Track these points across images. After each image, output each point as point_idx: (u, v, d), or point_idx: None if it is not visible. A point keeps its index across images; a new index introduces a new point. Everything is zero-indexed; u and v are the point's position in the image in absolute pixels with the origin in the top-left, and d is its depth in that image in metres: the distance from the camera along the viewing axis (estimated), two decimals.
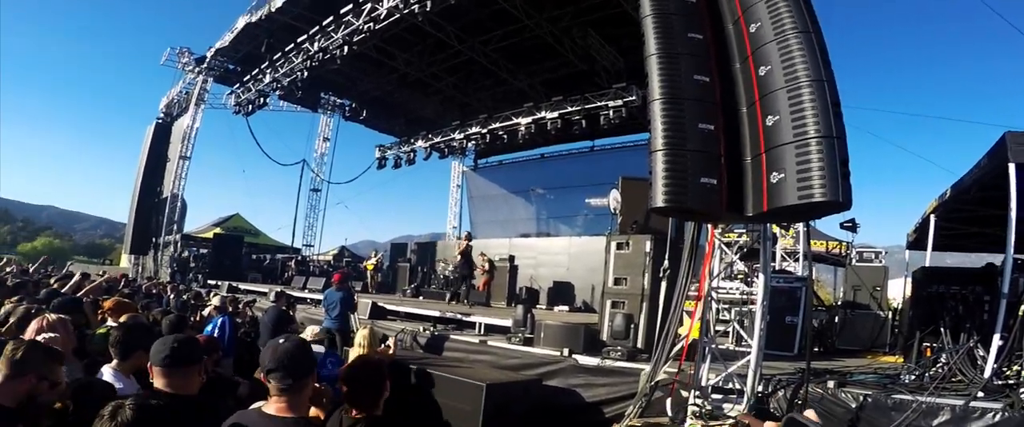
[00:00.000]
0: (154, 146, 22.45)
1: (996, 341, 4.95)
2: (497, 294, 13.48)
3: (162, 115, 23.50)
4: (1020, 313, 4.92)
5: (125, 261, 26.11)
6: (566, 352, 6.91)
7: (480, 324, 9.13)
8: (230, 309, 8.68)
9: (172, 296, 11.92)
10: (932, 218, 7.15)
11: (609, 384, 6.42)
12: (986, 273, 5.92)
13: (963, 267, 6.82)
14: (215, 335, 6.12)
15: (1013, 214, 5.07)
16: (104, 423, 1.67)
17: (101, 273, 11.28)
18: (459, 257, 12.71)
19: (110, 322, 4.15)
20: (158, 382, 2.26)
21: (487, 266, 13.89)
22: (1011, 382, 4.81)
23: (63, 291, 5.87)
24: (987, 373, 4.89)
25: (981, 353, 5.26)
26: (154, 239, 21.85)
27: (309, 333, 6.40)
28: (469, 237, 12.92)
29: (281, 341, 2.14)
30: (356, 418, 2.52)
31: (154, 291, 12.96)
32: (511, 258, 14.65)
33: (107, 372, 2.74)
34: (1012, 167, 5.02)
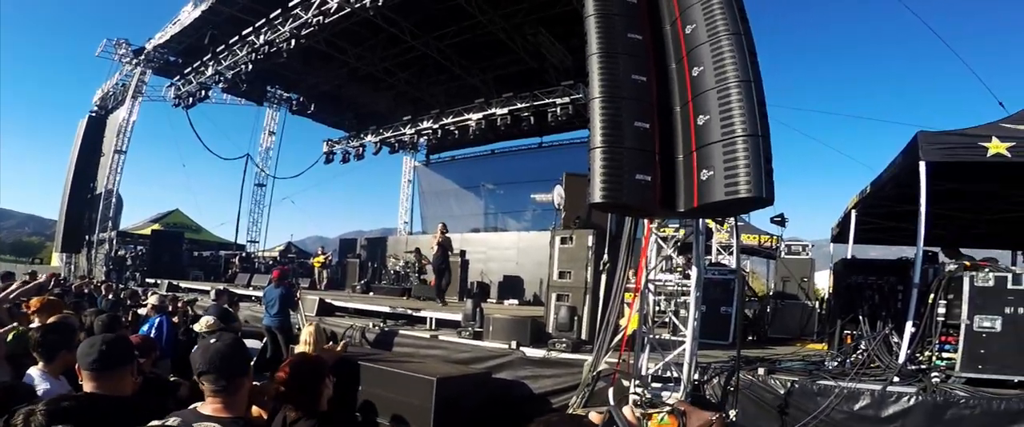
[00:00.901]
0: (87, 140, 21.33)
1: (909, 328, 5.28)
2: (449, 288, 13.50)
3: (96, 108, 22.34)
4: (929, 302, 5.27)
5: (56, 260, 24.74)
6: (514, 345, 7.03)
7: (431, 319, 9.15)
8: (169, 308, 8.42)
9: (107, 295, 11.43)
10: (853, 213, 7.60)
11: (555, 375, 6.58)
12: (900, 264, 6.33)
13: (880, 259, 7.29)
14: (152, 335, 5.95)
15: (923, 209, 5.44)
16: None
17: (28, 273, 10.70)
18: (436, 248, 12.49)
19: (36, 323, 3.99)
20: (87, 385, 2.19)
21: (426, 262, 13.87)
22: (923, 367, 5.14)
23: None
24: (901, 359, 5.23)
25: (896, 340, 5.61)
26: (87, 237, 20.81)
27: (202, 324, 6.27)
28: (445, 228, 12.66)
29: (212, 341, 2.09)
30: (297, 417, 2.51)
31: (86, 290, 12.39)
32: (462, 253, 14.69)
33: (35, 374, 2.67)
34: (923, 165, 5.38)
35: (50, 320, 3.88)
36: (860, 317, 6.09)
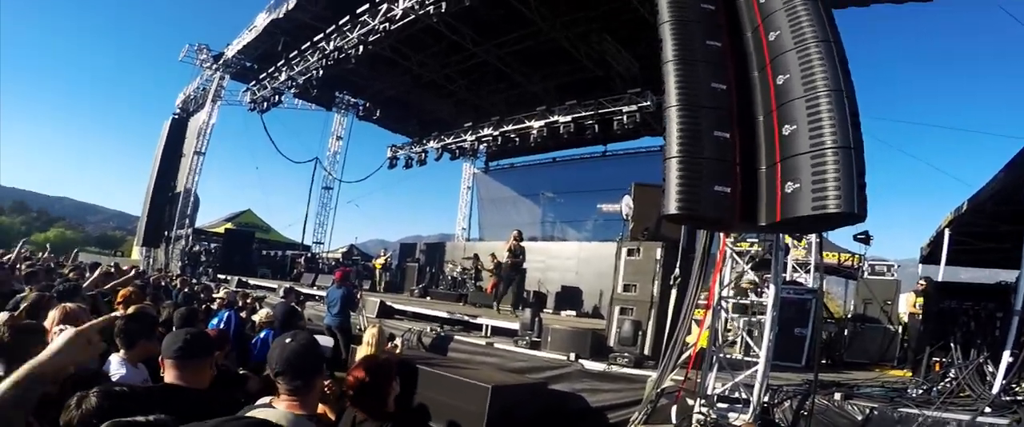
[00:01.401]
0: (170, 141, 22.70)
1: (1006, 357, 4.90)
2: (504, 298, 13.47)
3: (178, 111, 23.75)
4: None
5: (136, 253, 26.39)
6: (573, 357, 6.90)
7: (487, 326, 9.14)
8: (238, 303, 8.78)
9: (182, 289, 12.03)
10: (946, 232, 7.07)
11: (615, 390, 6.41)
12: (999, 289, 5.85)
13: (976, 282, 6.74)
14: (221, 328, 6.20)
15: None
16: (70, 412, 1.66)
17: (112, 265, 11.41)
18: (509, 254, 12.49)
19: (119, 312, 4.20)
20: (169, 375, 2.27)
21: (495, 268, 13.87)
22: (1019, 398, 4.77)
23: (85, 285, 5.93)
24: (995, 389, 4.85)
25: (990, 369, 5.21)
26: (166, 232, 22.08)
27: (261, 316, 6.51)
28: (520, 236, 12.57)
29: (288, 341, 2.11)
30: (365, 418, 2.52)
31: (163, 283, 13.10)
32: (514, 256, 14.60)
33: (115, 361, 2.78)
34: None
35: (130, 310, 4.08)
36: (952, 344, 5.64)
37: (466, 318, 9.79)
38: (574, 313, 13.17)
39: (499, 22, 15.08)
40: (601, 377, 6.58)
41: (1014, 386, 4.89)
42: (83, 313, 2.95)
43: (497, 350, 7.82)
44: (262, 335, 6.41)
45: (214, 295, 10.72)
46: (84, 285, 5.66)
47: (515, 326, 8.17)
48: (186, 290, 12.07)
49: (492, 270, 13.91)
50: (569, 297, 14.28)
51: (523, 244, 12.27)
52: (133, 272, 14.28)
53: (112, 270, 9.77)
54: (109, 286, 5.51)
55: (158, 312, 5.35)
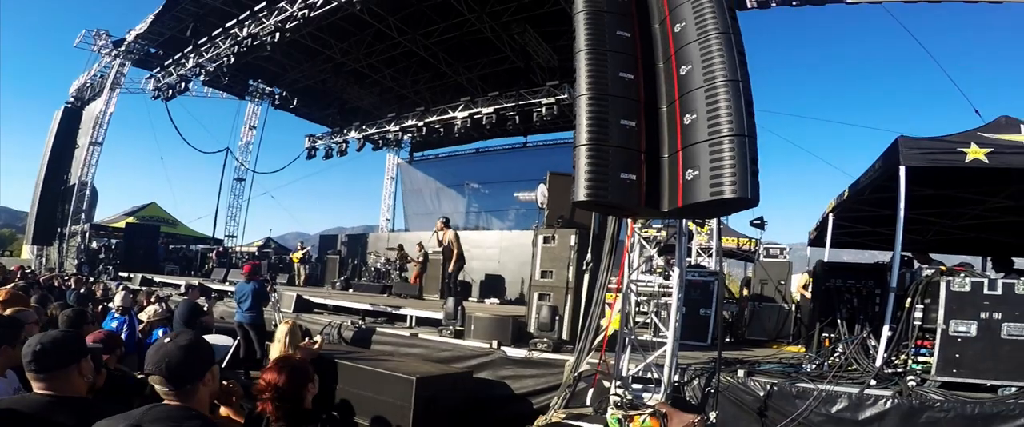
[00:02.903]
0: (62, 131, 20.81)
1: (885, 332, 5.34)
2: (430, 287, 13.40)
3: (72, 99, 21.83)
4: (906, 306, 5.34)
5: (27, 253, 24.10)
6: (495, 344, 6.98)
7: (411, 317, 9.06)
8: (142, 305, 8.24)
9: (78, 289, 11.14)
10: (830, 217, 7.68)
11: (536, 375, 6.54)
12: (878, 268, 6.41)
13: (858, 262, 7.37)
14: (119, 331, 5.82)
15: (902, 213, 5.51)
16: None
17: None
18: (439, 244, 12.15)
19: None
20: (34, 386, 2.08)
21: (422, 258, 13.77)
22: (899, 370, 5.18)
23: None
24: (878, 362, 5.27)
25: (873, 343, 5.65)
26: (60, 229, 20.30)
27: (149, 313, 6.18)
28: (446, 222, 12.37)
29: (166, 341, 1.91)
30: (279, 419, 2.44)
31: (56, 284, 12.08)
32: (446, 249, 14.58)
33: None
34: (902, 170, 5.44)
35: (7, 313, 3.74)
36: (838, 320, 6.14)
37: (390, 309, 9.65)
38: (498, 301, 13.30)
39: (426, 11, 14.92)
40: (523, 364, 6.69)
41: (893, 359, 5.33)
42: None
43: (422, 341, 7.77)
44: (159, 333, 6.05)
45: (113, 294, 10.00)
46: None
47: (440, 316, 8.16)
48: (82, 290, 11.19)
49: (419, 260, 13.79)
50: (492, 285, 14.41)
51: (450, 232, 12.19)
52: (19, 272, 13.09)
53: None
54: None
55: (47, 314, 4.96)
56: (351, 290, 14.59)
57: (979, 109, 7.78)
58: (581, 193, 3.83)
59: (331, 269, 16.84)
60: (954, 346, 4.84)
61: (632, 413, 5.23)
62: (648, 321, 5.74)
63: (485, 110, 17.14)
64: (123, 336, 5.97)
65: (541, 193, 9.08)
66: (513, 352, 6.83)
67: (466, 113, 17.74)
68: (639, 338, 5.53)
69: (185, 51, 17.43)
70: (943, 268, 5.46)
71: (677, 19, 4.23)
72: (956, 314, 4.87)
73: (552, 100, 15.56)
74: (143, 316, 6.52)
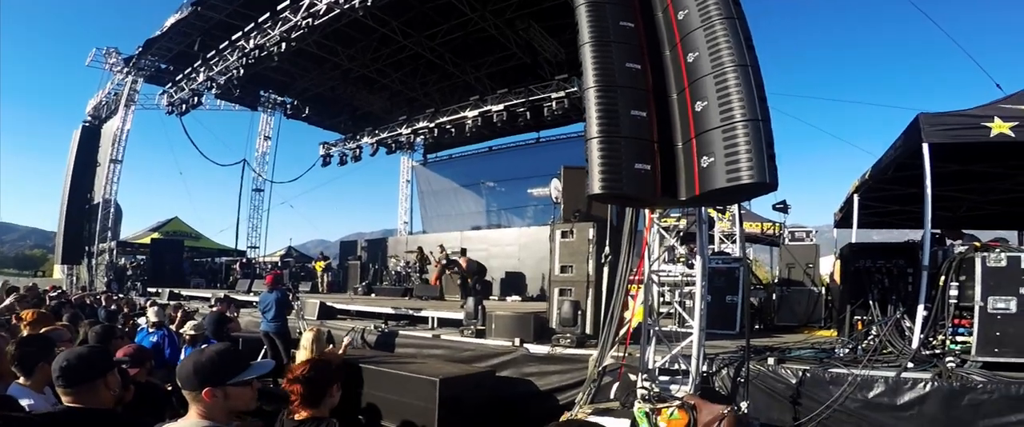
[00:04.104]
0: (82, 150, 21.26)
1: (920, 312, 5.16)
2: (450, 287, 13.44)
3: (89, 118, 22.27)
4: (941, 284, 5.16)
5: (58, 272, 24.70)
6: (517, 342, 6.94)
7: (433, 318, 9.07)
8: (174, 319, 8.39)
9: (108, 306, 11.37)
10: (855, 198, 7.50)
11: (560, 371, 6.49)
12: (908, 247, 6.23)
13: (887, 242, 7.18)
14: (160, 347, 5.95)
15: (928, 191, 5.36)
16: None
17: (28, 287, 10.67)
18: (462, 260, 12.48)
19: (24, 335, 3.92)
20: (64, 400, 2.16)
21: (444, 260, 13.82)
22: (937, 352, 5.02)
23: None
24: (915, 344, 5.11)
25: (908, 324, 5.49)
26: (87, 247, 20.75)
27: (188, 329, 6.28)
28: (464, 252, 13.09)
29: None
30: (300, 420, 2.46)
31: (88, 302, 12.33)
32: (463, 251, 14.65)
33: (16, 389, 2.59)
34: (926, 147, 5.29)
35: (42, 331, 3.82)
36: (870, 302, 5.97)
37: (411, 312, 9.69)
38: (519, 298, 13.29)
39: (429, 13, 14.91)
40: (546, 360, 6.65)
41: (930, 339, 5.16)
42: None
43: (444, 341, 7.78)
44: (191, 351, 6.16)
45: (140, 308, 10.19)
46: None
47: (461, 316, 8.15)
48: (112, 307, 11.42)
49: (440, 262, 13.85)
50: (513, 283, 14.40)
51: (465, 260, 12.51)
52: (57, 292, 13.42)
53: (24, 292, 9.13)
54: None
55: (76, 332, 5.05)
56: (373, 294, 14.69)
57: (1000, 82, 7.50)
58: (596, 186, 3.76)
59: (352, 275, 17.00)
60: (994, 324, 4.67)
61: (660, 406, 5.15)
62: (673, 311, 5.63)
63: (495, 108, 17.12)
64: (166, 351, 6.10)
65: (555, 188, 9.02)
66: (536, 349, 6.78)
67: (476, 112, 17.74)
68: (664, 329, 5.43)
69: (195, 65, 17.67)
70: (977, 244, 5.28)
71: (680, 7, 4.15)
72: (994, 290, 4.69)
73: (561, 94, 15.49)
74: (183, 331, 6.62)
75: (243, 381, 2.00)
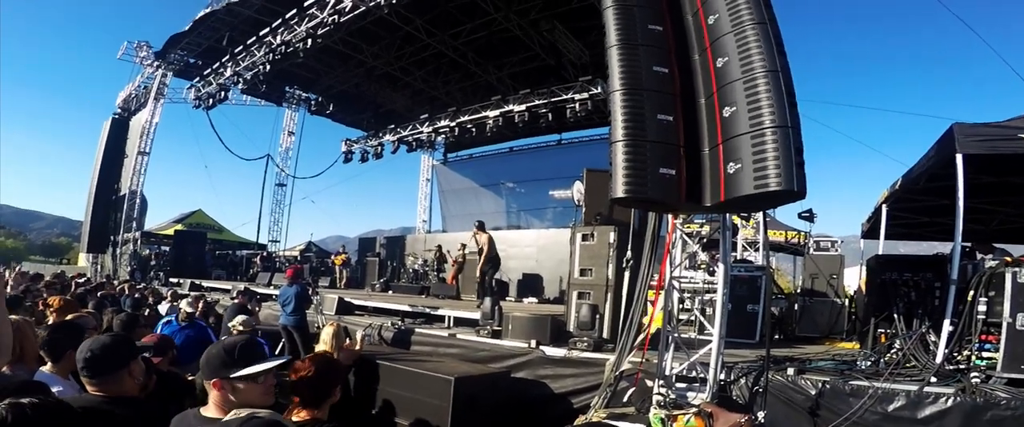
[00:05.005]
0: (111, 142, 21.70)
1: (946, 327, 5.04)
2: (467, 287, 13.46)
3: (119, 110, 22.72)
4: (969, 299, 5.04)
5: (83, 260, 25.26)
6: (533, 344, 6.92)
7: (449, 317, 9.09)
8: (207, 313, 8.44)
9: (131, 295, 11.58)
10: (883, 208, 7.35)
11: (576, 375, 6.46)
12: (936, 260, 6.10)
13: (915, 255, 7.03)
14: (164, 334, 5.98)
15: (961, 203, 5.22)
16: None
17: (55, 274, 10.94)
18: (480, 248, 11.92)
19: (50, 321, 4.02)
20: (88, 388, 2.21)
21: (461, 258, 13.83)
22: (962, 367, 4.90)
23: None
24: (939, 358, 5.00)
25: (933, 339, 5.37)
26: (112, 237, 21.17)
27: (236, 324, 6.19)
28: (481, 226, 12.20)
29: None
30: (299, 421, 2.41)
31: (114, 291, 12.58)
32: (481, 225, 14.58)
33: (44, 374, 2.65)
34: (959, 158, 5.16)
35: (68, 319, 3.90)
36: (895, 315, 5.86)
37: (428, 310, 9.72)
38: (536, 300, 13.25)
39: (453, 12, 14.96)
40: (562, 363, 6.62)
41: (955, 355, 5.04)
42: (27, 326, 2.83)
43: (460, 341, 7.79)
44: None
45: (163, 298, 10.35)
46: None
47: (477, 316, 8.15)
48: (135, 296, 11.64)
49: (458, 260, 13.86)
50: (530, 284, 14.37)
51: (485, 235, 12.12)
52: (84, 280, 13.72)
53: (52, 279, 9.34)
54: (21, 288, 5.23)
55: (102, 320, 5.15)
56: (390, 291, 14.77)
57: None
58: (619, 190, 3.74)
59: (371, 271, 17.10)
60: (1022, 341, 4.54)
61: (676, 412, 5.09)
62: (692, 318, 5.58)
63: (517, 108, 17.10)
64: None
65: (577, 190, 8.98)
66: (552, 351, 6.76)
67: (498, 112, 17.73)
68: (683, 336, 5.39)
69: (223, 60, 17.96)
70: (1008, 259, 5.14)
71: (710, 10, 4.12)
72: None
73: (585, 96, 15.40)
74: (231, 325, 6.53)
75: (248, 376, 2.02)
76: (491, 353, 7.28)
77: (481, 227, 12.28)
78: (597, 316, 6.76)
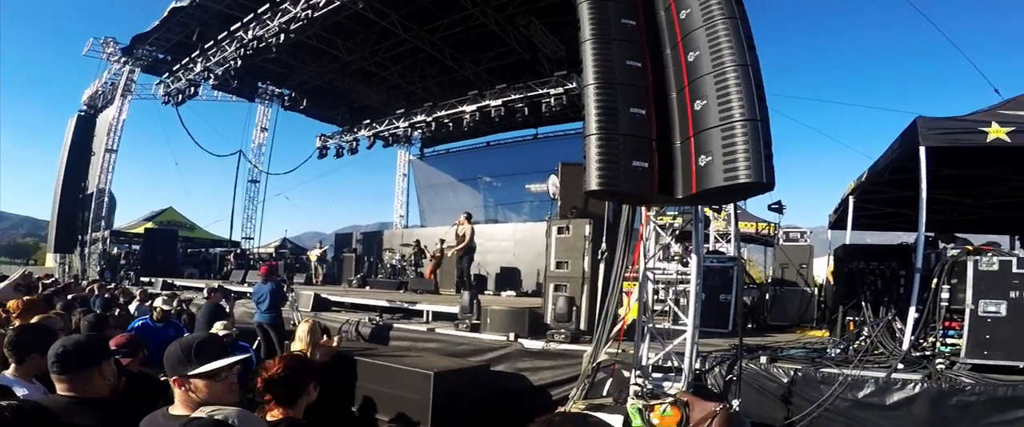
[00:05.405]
0: (77, 139, 21.07)
1: (912, 314, 5.24)
2: (445, 281, 13.44)
3: (85, 107, 22.07)
4: (933, 286, 5.21)
5: (50, 261, 24.56)
6: (512, 336, 6.97)
7: (428, 312, 9.08)
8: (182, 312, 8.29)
9: (101, 295, 11.31)
10: (850, 200, 7.55)
11: (554, 367, 6.52)
12: (901, 249, 6.28)
13: (881, 244, 7.23)
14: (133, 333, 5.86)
15: (924, 194, 5.40)
16: None
17: (26, 273, 10.60)
18: (460, 238, 11.94)
19: (15, 324, 3.91)
20: (58, 387, 2.19)
21: (439, 253, 13.80)
22: (927, 353, 5.09)
23: None
24: (905, 345, 5.18)
25: (899, 326, 5.55)
26: (80, 236, 20.60)
27: (218, 328, 6.06)
28: (468, 217, 12.29)
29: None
30: (272, 421, 2.37)
31: (83, 291, 12.27)
32: (468, 216, 14.53)
33: (7, 376, 2.59)
34: (922, 151, 5.34)
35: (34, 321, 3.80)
36: (863, 303, 6.03)
37: (406, 305, 9.68)
38: (514, 293, 13.30)
39: (429, 7, 14.87)
40: (540, 355, 6.68)
41: (921, 341, 5.23)
42: None
43: (438, 335, 7.79)
44: None
45: (133, 298, 10.15)
46: None
47: (456, 310, 8.16)
48: (106, 295, 11.37)
49: (436, 255, 13.82)
50: (508, 278, 14.43)
51: (469, 226, 12.14)
52: (52, 281, 13.32)
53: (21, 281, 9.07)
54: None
55: (69, 321, 5.03)
56: (368, 287, 14.67)
57: (999, 88, 7.55)
58: (593, 183, 3.79)
59: (347, 267, 16.95)
60: (984, 327, 4.73)
61: (652, 402, 5.17)
62: (667, 309, 5.67)
63: (493, 103, 17.09)
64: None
65: (553, 184, 9.04)
66: (530, 344, 6.81)
67: (474, 107, 17.70)
68: (658, 326, 5.48)
69: (193, 56, 17.54)
70: (970, 248, 5.34)
71: (682, 6, 4.17)
72: (985, 294, 4.75)
73: (560, 90, 15.47)
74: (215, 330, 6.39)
75: (206, 373, 2.00)
76: (470, 347, 7.30)
77: (468, 218, 12.32)
78: (574, 308, 6.83)
